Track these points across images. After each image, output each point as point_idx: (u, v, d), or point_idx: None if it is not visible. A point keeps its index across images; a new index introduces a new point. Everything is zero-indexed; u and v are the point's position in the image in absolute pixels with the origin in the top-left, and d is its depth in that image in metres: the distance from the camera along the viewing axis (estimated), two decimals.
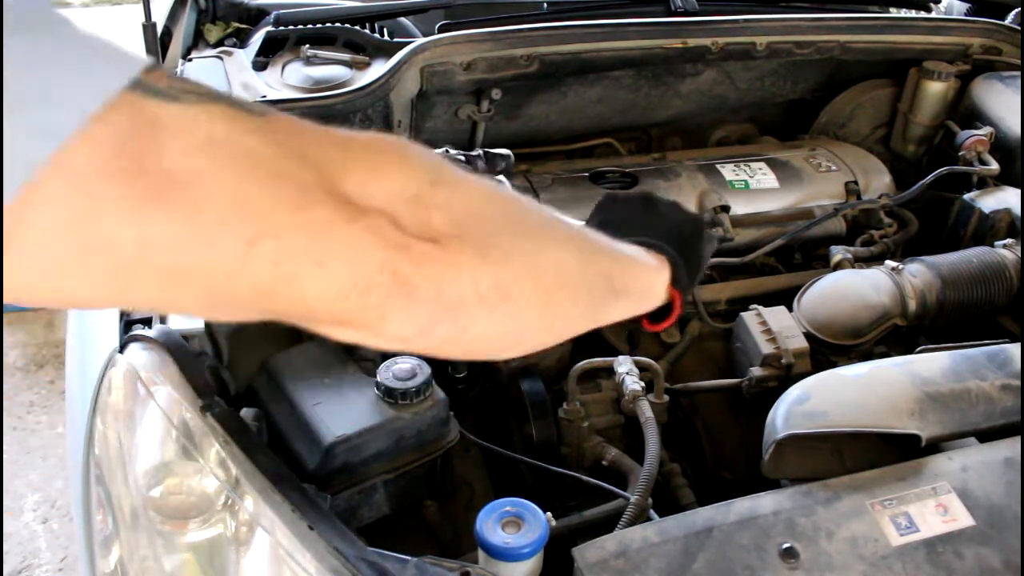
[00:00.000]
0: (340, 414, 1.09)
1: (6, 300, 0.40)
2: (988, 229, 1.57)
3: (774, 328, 1.34)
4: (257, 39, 1.69)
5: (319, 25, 1.73)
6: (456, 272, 0.52)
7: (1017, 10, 2.17)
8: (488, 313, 0.55)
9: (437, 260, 0.51)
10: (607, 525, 1.00)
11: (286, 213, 0.45)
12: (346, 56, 1.61)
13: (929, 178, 1.69)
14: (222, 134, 0.43)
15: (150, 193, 0.39)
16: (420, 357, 1.24)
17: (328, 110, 1.46)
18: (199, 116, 0.42)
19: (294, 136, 0.47)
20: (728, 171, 1.71)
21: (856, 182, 1.74)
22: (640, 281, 0.77)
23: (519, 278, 0.57)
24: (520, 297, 0.57)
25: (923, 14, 2.18)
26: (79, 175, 0.37)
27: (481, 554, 0.87)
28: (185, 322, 1.06)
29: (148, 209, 0.40)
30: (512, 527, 0.87)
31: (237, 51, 1.68)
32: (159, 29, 1.67)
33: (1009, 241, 1.46)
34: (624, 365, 1.28)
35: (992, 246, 1.46)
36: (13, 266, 0.38)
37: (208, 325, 1.20)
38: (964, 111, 1.85)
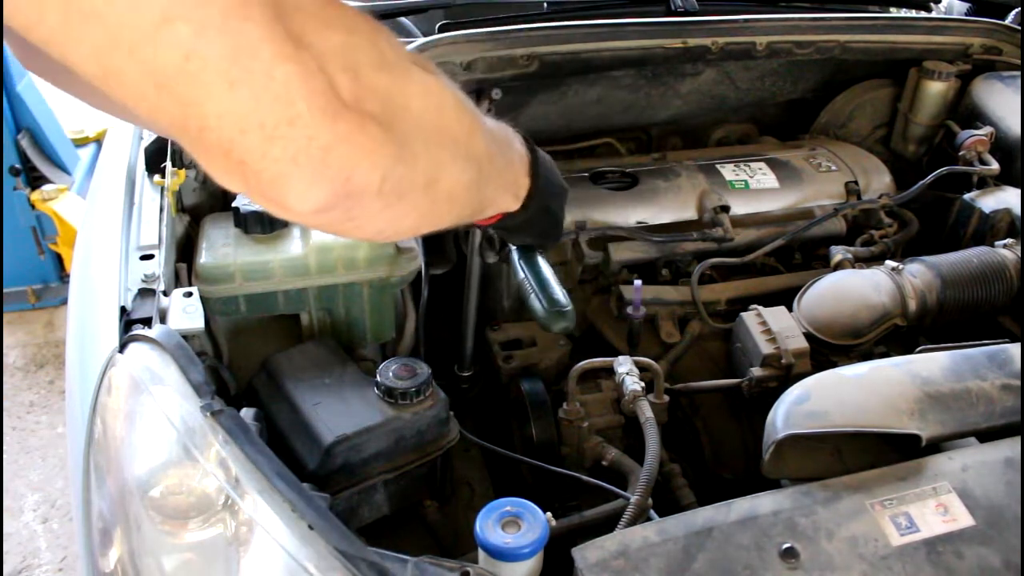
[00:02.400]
0: (340, 414, 1.09)
1: None
2: (988, 229, 1.57)
3: (774, 328, 1.34)
4: None
5: None
6: (371, 163, 0.51)
7: (1017, 10, 2.17)
8: (379, 208, 0.54)
9: (358, 144, 0.49)
10: (607, 525, 1.00)
11: (217, 11, 0.43)
12: None
13: (929, 178, 1.69)
14: None
15: None
16: (418, 356, 1.24)
17: None
18: None
19: None
20: (728, 171, 1.71)
21: (856, 182, 1.74)
22: (510, 203, 0.83)
23: (416, 184, 0.57)
24: (410, 201, 0.57)
25: (923, 14, 2.17)
26: None
27: (481, 554, 0.87)
28: (185, 322, 1.06)
29: None
30: (512, 527, 0.87)
31: None
32: None
33: (1009, 241, 1.46)
34: (624, 365, 1.28)
35: (992, 246, 1.46)
36: None
37: (208, 325, 1.20)
38: (964, 111, 1.85)
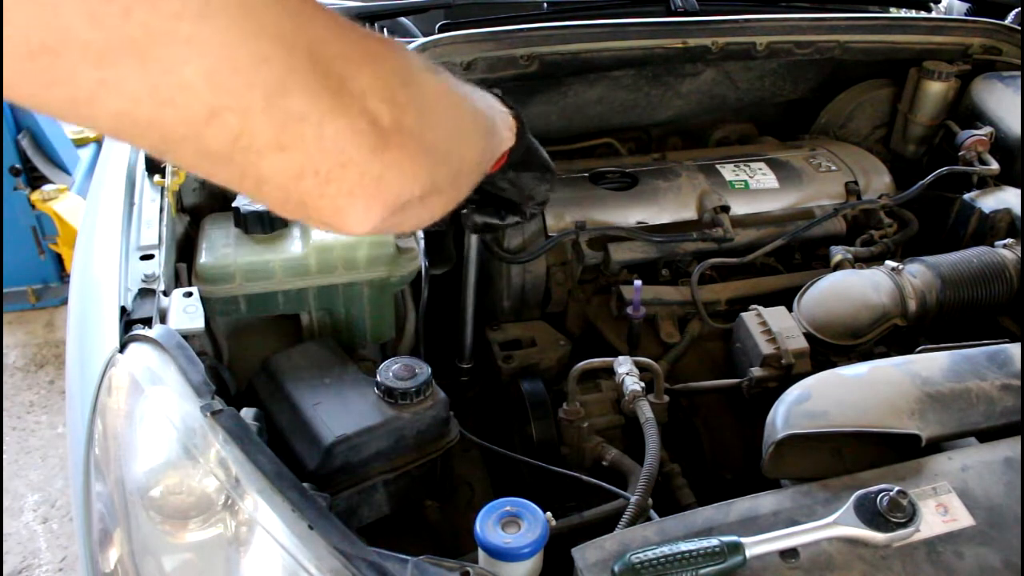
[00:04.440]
0: (340, 414, 1.09)
1: None
2: (988, 229, 1.57)
3: (774, 328, 1.34)
4: None
5: None
6: (414, 177, 0.55)
7: (1017, 10, 2.17)
8: (420, 210, 0.60)
9: (402, 165, 0.53)
10: (607, 525, 1.00)
11: (260, 94, 0.44)
12: None
13: (929, 178, 1.69)
14: None
15: (122, 43, 0.39)
16: (418, 356, 1.24)
17: None
18: None
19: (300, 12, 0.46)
20: (728, 171, 1.71)
21: (856, 182, 1.74)
22: (508, 139, 0.91)
23: (447, 179, 0.62)
24: (444, 194, 0.63)
25: (923, 14, 2.18)
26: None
27: (481, 554, 0.87)
28: (185, 322, 1.06)
29: (114, 57, 0.40)
30: (512, 527, 0.87)
31: None
32: None
33: (1009, 241, 1.46)
34: (624, 365, 1.28)
35: (992, 246, 1.46)
36: None
37: (208, 325, 1.20)
38: (964, 111, 1.85)
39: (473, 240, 1.41)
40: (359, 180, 0.50)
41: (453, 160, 0.62)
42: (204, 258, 1.27)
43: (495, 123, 0.81)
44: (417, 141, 0.54)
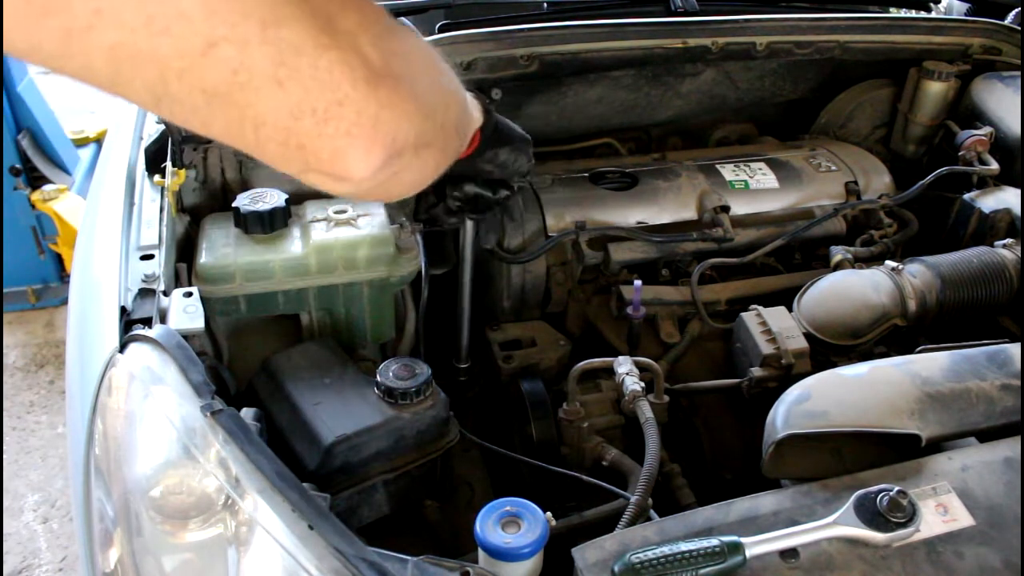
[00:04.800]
0: (340, 414, 1.09)
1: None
2: (988, 229, 1.57)
3: (774, 328, 1.34)
4: None
5: None
6: (407, 119, 0.55)
7: (1017, 10, 2.17)
8: (411, 159, 0.59)
9: (395, 105, 0.53)
10: (607, 525, 1.00)
11: (256, 24, 0.45)
12: None
13: (929, 178, 1.69)
14: None
15: None
16: (418, 356, 1.24)
17: None
18: None
19: None
20: (728, 171, 1.71)
21: (856, 182, 1.74)
22: (478, 116, 0.95)
23: (436, 129, 0.62)
24: (435, 146, 0.62)
25: (923, 14, 2.18)
26: None
27: (481, 554, 0.87)
28: (185, 322, 1.06)
29: None
30: (512, 527, 0.87)
31: None
32: None
33: (1009, 241, 1.46)
34: (624, 365, 1.28)
35: (992, 246, 1.46)
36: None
37: (208, 325, 1.20)
38: (964, 111, 1.85)
39: (468, 240, 1.41)
40: (356, 119, 0.50)
41: (438, 114, 0.62)
42: (204, 258, 1.27)
43: (466, 96, 0.82)
44: (407, 86, 0.54)
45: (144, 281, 1.13)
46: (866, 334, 1.36)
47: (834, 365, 1.26)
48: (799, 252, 1.71)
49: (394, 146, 0.54)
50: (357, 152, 0.52)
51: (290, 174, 0.55)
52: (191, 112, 0.48)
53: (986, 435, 1.00)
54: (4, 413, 2.76)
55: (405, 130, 0.55)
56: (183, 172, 1.36)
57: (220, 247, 1.29)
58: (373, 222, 1.34)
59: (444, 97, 0.65)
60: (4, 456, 2.61)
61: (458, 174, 1.16)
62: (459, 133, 0.75)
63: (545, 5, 1.90)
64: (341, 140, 0.51)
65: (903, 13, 2.24)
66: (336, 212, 1.35)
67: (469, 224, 1.37)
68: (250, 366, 1.26)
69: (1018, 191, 1.59)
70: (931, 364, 1.05)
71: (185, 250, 1.33)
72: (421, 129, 0.57)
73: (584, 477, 1.18)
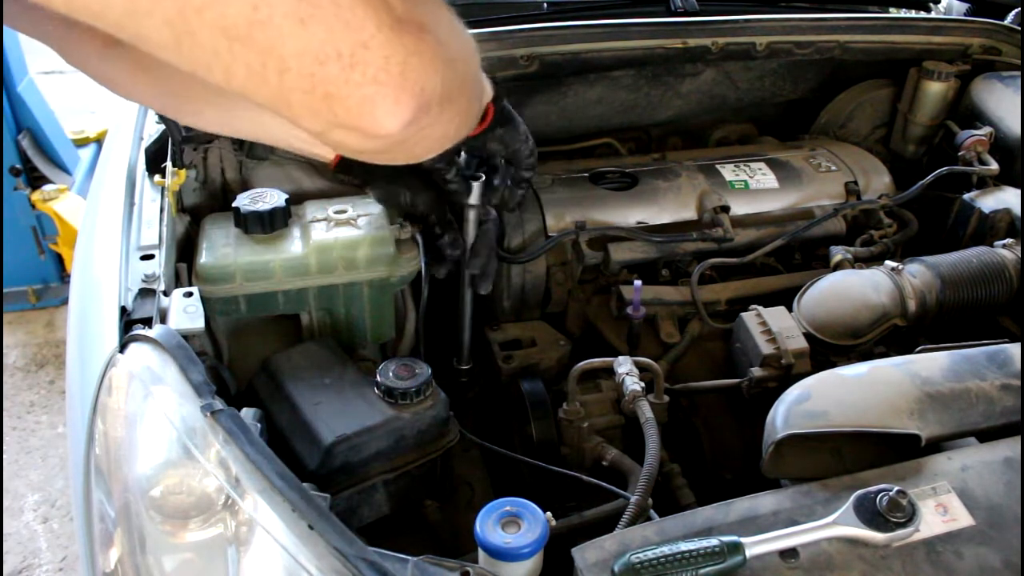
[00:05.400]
0: (340, 414, 1.09)
1: None
2: (988, 229, 1.57)
3: (774, 328, 1.34)
4: None
5: None
6: (434, 68, 0.53)
7: (1017, 10, 2.17)
8: (439, 116, 0.57)
9: (422, 52, 0.51)
10: (607, 525, 1.00)
11: None
12: None
13: (929, 178, 1.69)
14: None
15: None
16: (418, 356, 1.24)
17: None
18: None
19: None
20: (728, 171, 1.71)
21: (856, 182, 1.74)
22: (489, 89, 0.96)
23: (458, 84, 0.59)
24: (457, 102, 0.60)
25: (923, 14, 2.18)
26: None
27: (481, 554, 0.87)
28: (185, 322, 1.06)
29: None
30: (512, 527, 0.87)
31: None
32: None
33: (1009, 241, 1.46)
34: (624, 365, 1.28)
35: (992, 246, 1.46)
36: None
37: (208, 325, 1.20)
38: (964, 111, 1.85)
39: (469, 239, 1.41)
40: (384, 64, 0.49)
41: (460, 65, 0.60)
42: (204, 258, 1.27)
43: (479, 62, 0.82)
44: (431, 34, 0.52)
45: (144, 281, 1.13)
46: (866, 334, 1.36)
47: (834, 365, 1.26)
48: (799, 252, 1.71)
49: (423, 96, 0.52)
50: (386, 102, 0.50)
51: (315, 133, 0.53)
52: (213, 57, 0.46)
53: (986, 435, 1.00)
54: (4, 413, 2.76)
55: (433, 80, 0.53)
56: (183, 172, 1.36)
57: (220, 247, 1.29)
58: (373, 222, 1.34)
59: (464, 49, 0.63)
60: (4, 456, 2.61)
61: (470, 151, 1.18)
62: (477, 95, 0.73)
63: (545, 5, 1.90)
64: (369, 88, 0.49)
65: (903, 13, 2.24)
66: (336, 212, 1.35)
67: (472, 223, 1.37)
68: (250, 366, 1.26)
69: (1018, 191, 1.59)
70: (931, 364, 1.05)
71: (185, 250, 1.33)
72: (447, 80, 0.55)
73: (584, 477, 1.18)
